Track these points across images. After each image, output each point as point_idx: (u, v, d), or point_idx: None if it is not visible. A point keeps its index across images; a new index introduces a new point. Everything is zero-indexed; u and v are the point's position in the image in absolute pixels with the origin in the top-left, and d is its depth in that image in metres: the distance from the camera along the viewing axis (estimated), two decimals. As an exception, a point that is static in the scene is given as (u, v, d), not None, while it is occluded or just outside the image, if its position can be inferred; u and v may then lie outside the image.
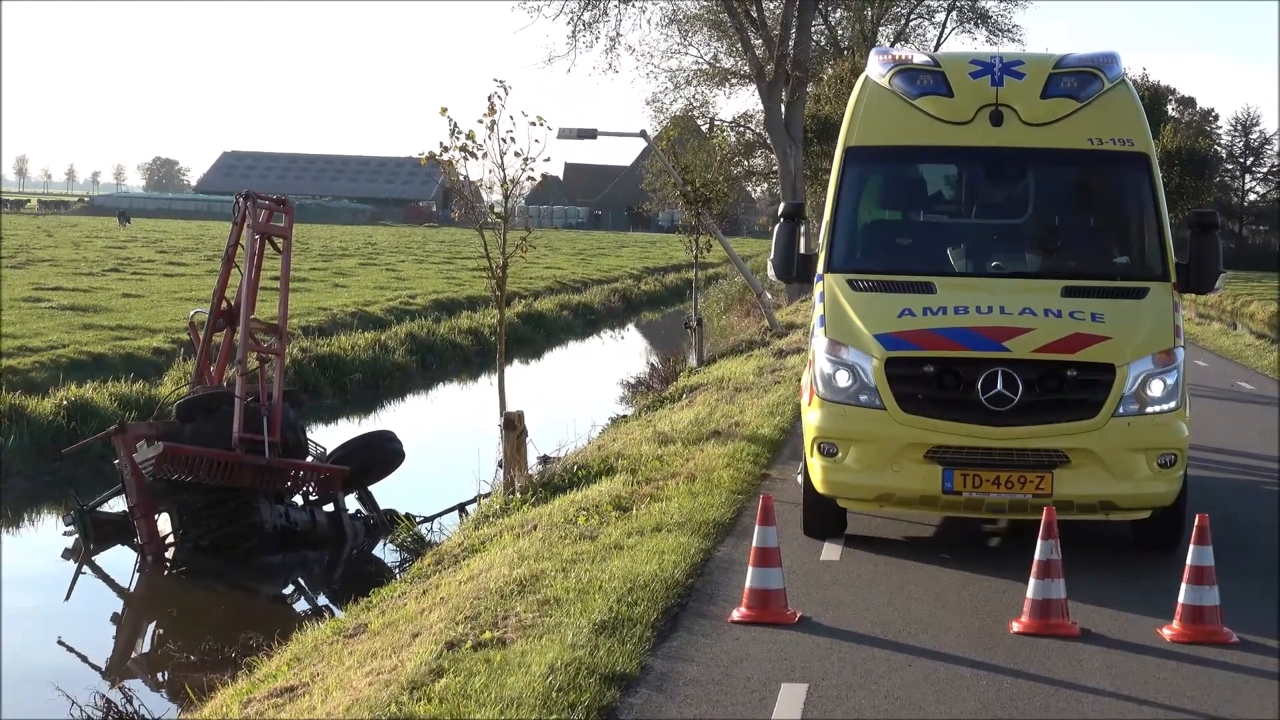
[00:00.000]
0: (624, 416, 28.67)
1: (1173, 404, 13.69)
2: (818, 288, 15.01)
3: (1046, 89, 15.21)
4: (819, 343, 14.34)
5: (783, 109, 54.68)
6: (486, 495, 19.98)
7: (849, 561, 14.00)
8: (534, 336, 51.95)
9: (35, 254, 73.49)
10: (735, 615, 11.93)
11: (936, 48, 69.75)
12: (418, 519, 21.48)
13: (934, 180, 16.55)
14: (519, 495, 18.18)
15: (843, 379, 13.93)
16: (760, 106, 58.03)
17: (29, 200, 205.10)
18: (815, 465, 14.15)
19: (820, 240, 15.43)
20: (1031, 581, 11.75)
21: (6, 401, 26.66)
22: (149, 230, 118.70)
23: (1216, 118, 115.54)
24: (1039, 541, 11.68)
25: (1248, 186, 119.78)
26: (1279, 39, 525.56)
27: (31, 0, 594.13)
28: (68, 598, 19.69)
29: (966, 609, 12.40)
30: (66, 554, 20.88)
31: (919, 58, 16.20)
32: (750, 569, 12.00)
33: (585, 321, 60.59)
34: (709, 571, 13.44)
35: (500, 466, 19.34)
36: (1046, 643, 11.41)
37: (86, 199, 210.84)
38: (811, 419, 14.19)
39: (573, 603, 11.94)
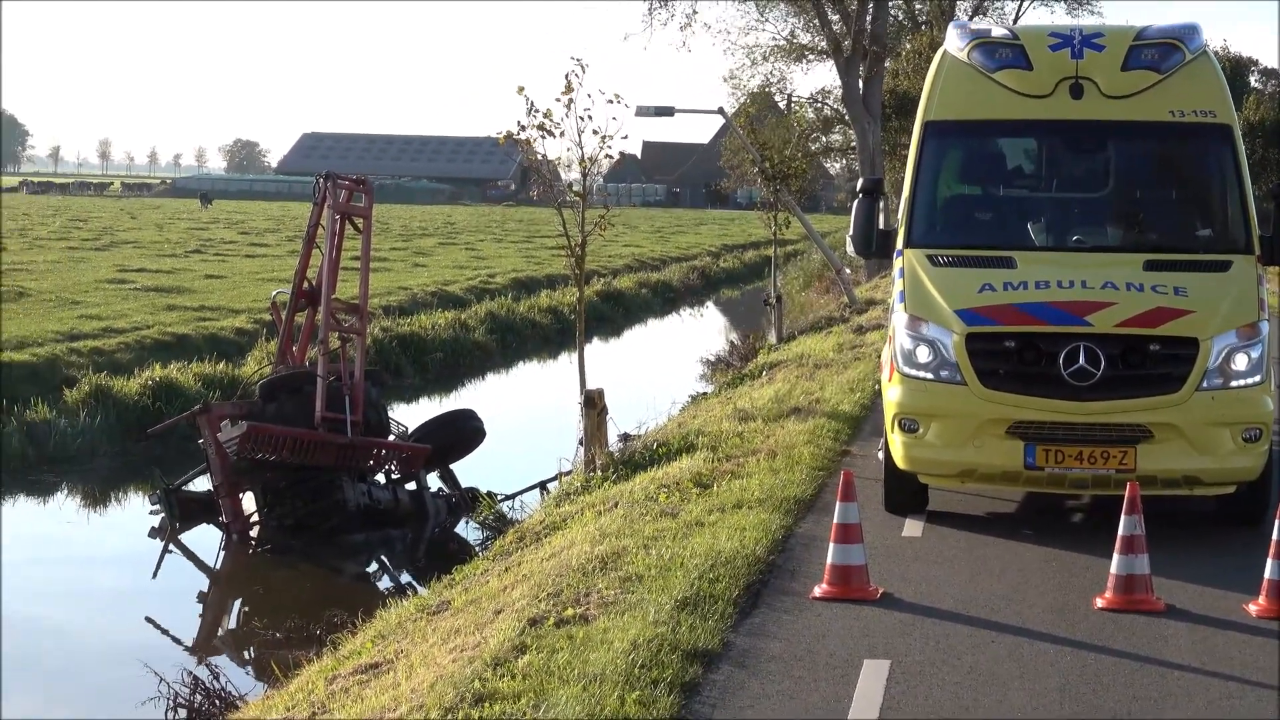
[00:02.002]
0: (704, 394, 28.67)
1: (1257, 378, 13.55)
2: (897, 263, 14.95)
3: (1127, 61, 15.06)
4: (899, 318, 14.29)
5: (860, 84, 54.42)
6: (567, 473, 20.04)
7: (930, 537, 13.96)
8: (613, 314, 52.02)
9: (119, 236, 74.22)
10: (817, 591, 11.91)
11: (1015, 21, 69.00)
12: (499, 497, 21.58)
13: (1013, 154, 16.43)
14: (600, 473, 18.22)
15: (923, 355, 13.87)
16: (838, 82, 57.70)
17: (112, 183, 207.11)
18: (896, 441, 14.11)
19: (899, 215, 15.37)
20: (1115, 557, 11.68)
21: (93, 382, 26.97)
22: (230, 211, 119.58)
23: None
24: (1122, 517, 11.61)
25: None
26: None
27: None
28: (154, 576, 19.92)
29: (1049, 585, 12.34)
30: (153, 533, 21.11)
31: (998, 31, 16.07)
32: (832, 545, 11.98)
33: (664, 299, 60.58)
34: (790, 548, 13.43)
35: (581, 444, 19.40)
36: (1130, 619, 11.33)
37: (169, 181, 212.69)
38: (892, 395, 14.14)
39: (655, 579, 11.96)
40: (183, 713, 13.51)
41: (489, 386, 37.01)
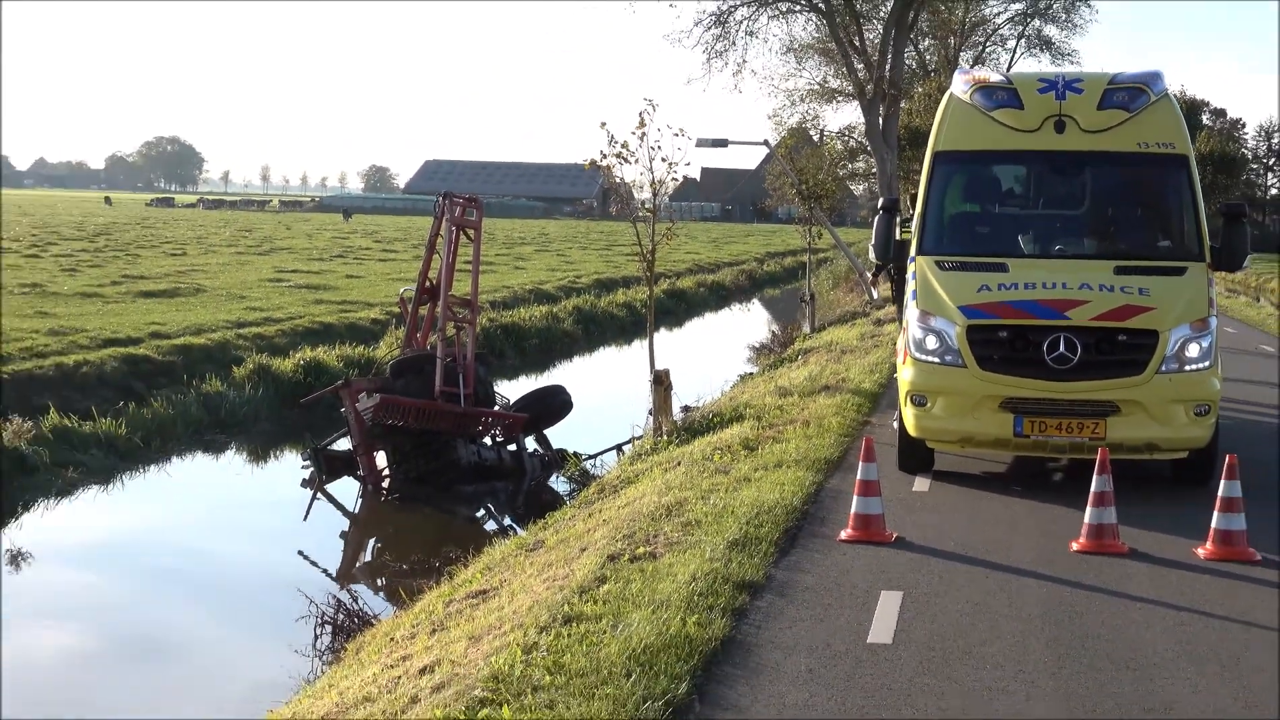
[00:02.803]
0: (750, 374, 28.63)
1: (1207, 363, 13.49)
2: (910, 267, 14.92)
3: (1102, 102, 14.96)
4: (911, 312, 14.26)
5: (880, 121, 54.00)
6: (639, 437, 20.07)
7: (936, 492, 13.93)
8: (677, 309, 51.98)
9: (277, 244, 74.71)
10: (843, 535, 11.92)
11: (1008, 69, 68.46)
12: (583, 456, 21.62)
13: (1007, 178, 16.33)
14: (666, 437, 18.24)
15: (931, 342, 13.84)
16: (862, 119, 57.33)
17: (271, 200, 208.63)
18: (908, 413, 14.09)
19: (912, 229, 15.32)
20: (1088, 509, 11.64)
21: (256, 361, 27.20)
22: (366, 224, 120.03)
23: (1244, 126, 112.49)
24: (1094, 476, 11.58)
25: (1270, 183, 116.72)
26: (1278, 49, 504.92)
27: None
28: (305, 518, 20.05)
29: (1033, 531, 12.30)
30: (304, 484, 21.26)
31: (995, 77, 15.98)
32: (855, 497, 11.99)
33: (718, 297, 60.47)
34: (821, 499, 13.42)
35: (650, 414, 19.42)
36: (1100, 560, 11.29)
37: (317, 199, 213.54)
38: (905, 375, 14.13)
39: (710, 524, 11.99)
40: (328, 628, 13.62)
41: (575, 367, 37.03)
